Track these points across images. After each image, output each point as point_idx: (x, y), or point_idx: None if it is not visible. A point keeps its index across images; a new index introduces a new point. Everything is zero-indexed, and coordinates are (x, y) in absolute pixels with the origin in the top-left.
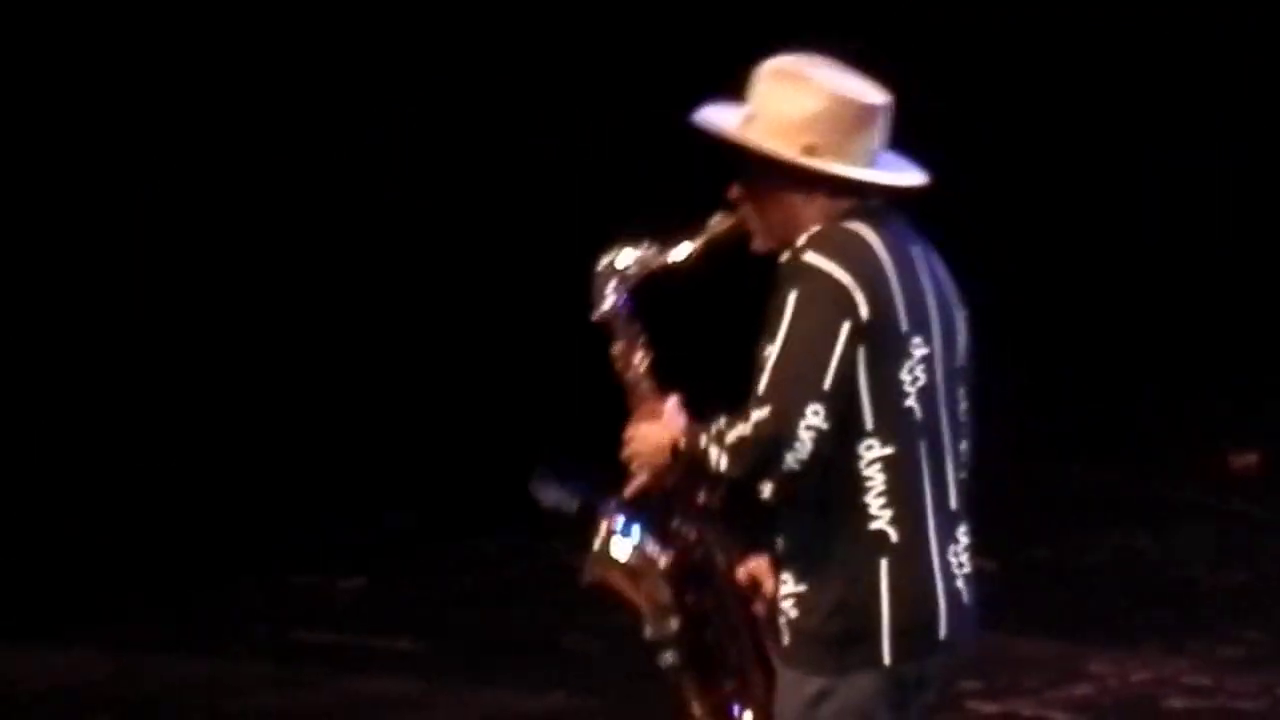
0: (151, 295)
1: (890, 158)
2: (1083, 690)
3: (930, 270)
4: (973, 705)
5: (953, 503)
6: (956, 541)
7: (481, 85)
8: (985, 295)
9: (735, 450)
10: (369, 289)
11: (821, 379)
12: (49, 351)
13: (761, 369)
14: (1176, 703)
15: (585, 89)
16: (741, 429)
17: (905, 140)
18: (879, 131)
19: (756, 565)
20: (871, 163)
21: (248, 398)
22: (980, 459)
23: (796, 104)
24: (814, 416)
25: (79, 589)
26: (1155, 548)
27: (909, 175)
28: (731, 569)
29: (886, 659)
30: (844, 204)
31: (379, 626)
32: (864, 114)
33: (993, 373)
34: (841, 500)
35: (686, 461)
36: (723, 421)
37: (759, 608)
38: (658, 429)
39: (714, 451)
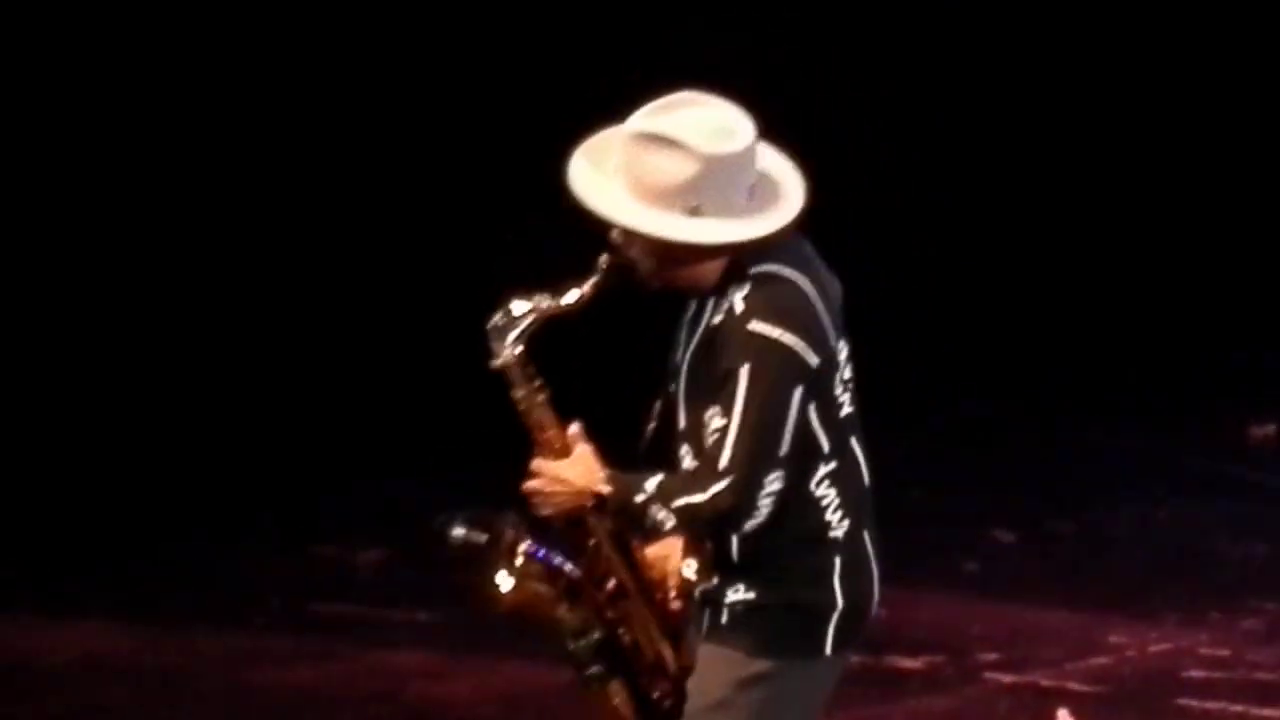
0: (160, 272)
1: (763, 175)
2: (1101, 661)
3: (824, 270)
4: (991, 676)
5: (868, 480)
6: (872, 518)
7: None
8: (1005, 264)
9: (685, 515)
10: (383, 260)
11: (779, 448)
12: (58, 329)
13: (710, 433)
14: (1195, 674)
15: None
16: (694, 497)
17: (900, 134)
18: (752, 164)
19: (658, 549)
20: (751, 195)
21: (267, 370)
22: (1000, 432)
23: (674, 170)
24: (772, 484)
25: (97, 563)
26: (1175, 519)
27: (785, 206)
28: (637, 561)
29: (829, 648)
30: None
31: (398, 599)
32: (739, 161)
33: (1012, 345)
34: (796, 517)
35: (613, 512)
36: (661, 478)
37: (672, 596)
38: (574, 471)
39: (655, 510)
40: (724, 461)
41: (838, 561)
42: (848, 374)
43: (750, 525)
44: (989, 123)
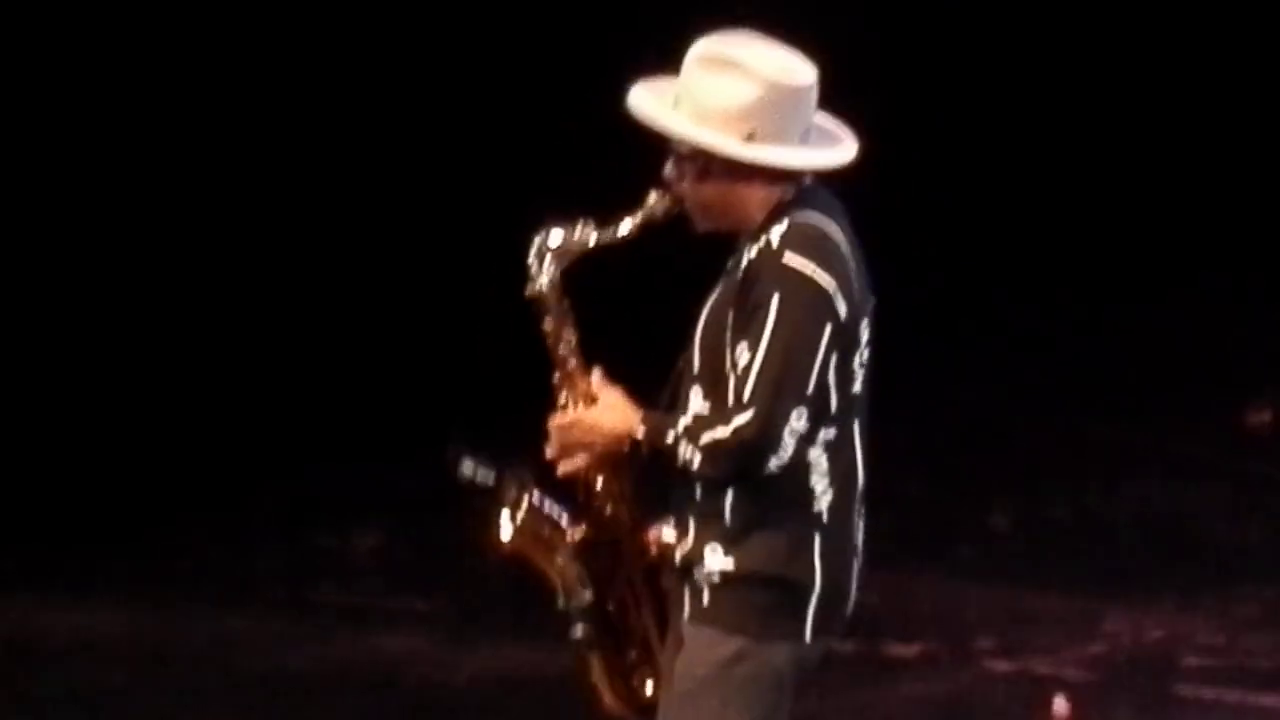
0: (155, 258)
1: (820, 126)
2: (1097, 648)
3: (859, 256)
4: (987, 663)
5: (862, 479)
6: (862, 518)
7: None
8: (1002, 250)
9: (711, 451)
10: (380, 244)
11: (805, 384)
12: (56, 314)
13: (738, 369)
14: (1191, 660)
15: (513, 62)
16: (719, 431)
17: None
18: (811, 107)
19: (660, 532)
20: (805, 138)
21: (264, 355)
22: (995, 416)
23: (734, 92)
24: (797, 421)
25: (97, 545)
26: (1171, 505)
27: (841, 149)
28: (638, 538)
29: (807, 635)
30: (783, 187)
31: (395, 585)
32: (798, 95)
33: (1008, 329)
34: (787, 479)
35: (646, 453)
36: (690, 418)
37: (665, 576)
38: (608, 415)
39: (684, 448)
40: (748, 393)
41: (818, 538)
42: (865, 356)
43: (775, 463)
44: (989, 123)
